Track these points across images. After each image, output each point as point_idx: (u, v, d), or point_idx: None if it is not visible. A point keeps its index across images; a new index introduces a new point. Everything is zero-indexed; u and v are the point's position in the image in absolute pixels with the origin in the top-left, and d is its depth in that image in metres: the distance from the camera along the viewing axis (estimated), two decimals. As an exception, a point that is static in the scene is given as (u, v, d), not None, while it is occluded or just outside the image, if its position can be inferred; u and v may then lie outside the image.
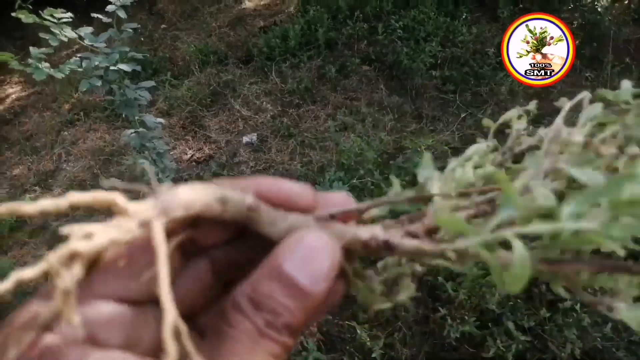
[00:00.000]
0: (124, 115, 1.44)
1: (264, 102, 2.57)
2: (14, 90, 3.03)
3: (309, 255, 0.28)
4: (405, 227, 0.29)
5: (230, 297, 0.28)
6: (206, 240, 0.32)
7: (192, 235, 0.30)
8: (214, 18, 3.35)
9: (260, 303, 0.27)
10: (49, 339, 0.24)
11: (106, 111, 2.61)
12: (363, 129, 2.32)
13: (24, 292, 1.94)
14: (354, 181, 1.99)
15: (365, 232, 0.29)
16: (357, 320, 1.66)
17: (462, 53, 2.63)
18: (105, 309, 0.27)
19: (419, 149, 2.16)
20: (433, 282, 1.69)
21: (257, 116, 2.51)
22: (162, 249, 0.24)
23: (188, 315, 0.31)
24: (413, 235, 0.29)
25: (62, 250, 0.21)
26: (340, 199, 0.32)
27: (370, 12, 2.97)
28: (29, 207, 0.22)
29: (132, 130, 1.43)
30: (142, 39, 3.11)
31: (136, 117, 1.38)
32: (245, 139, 2.39)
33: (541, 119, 2.36)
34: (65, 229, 0.21)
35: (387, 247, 0.29)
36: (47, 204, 0.23)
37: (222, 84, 2.73)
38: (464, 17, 2.82)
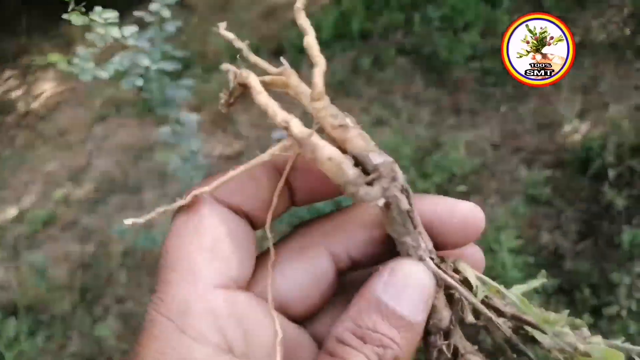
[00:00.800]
0: (155, 112, 1.42)
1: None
2: (48, 87, 3.07)
3: (405, 285, 0.28)
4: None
5: (330, 334, 0.28)
6: (302, 192, 0.32)
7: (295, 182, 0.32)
8: (246, 11, 3.31)
9: (366, 336, 0.27)
10: None
11: (137, 107, 2.61)
12: (398, 123, 2.25)
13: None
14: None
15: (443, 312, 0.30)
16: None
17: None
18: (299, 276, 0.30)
19: (457, 145, 2.07)
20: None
21: (288, 111, 2.46)
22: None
23: (306, 316, 0.31)
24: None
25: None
26: (466, 211, 0.32)
27: (406, 1, 2.87)
28: None
29: (168, 128, 1.41)
30: (182, 35, 3.10)
31: (172, 115, 1.37)
32: (276, 134, 2.34)
33: (586, 114, 2.25)
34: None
35: (433, 341, 0.30)
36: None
37: (253, 78, 2.69)
38: (505, 5, 2.70)
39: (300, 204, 0.33)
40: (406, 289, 0.28)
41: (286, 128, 0.28)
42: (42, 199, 2.34)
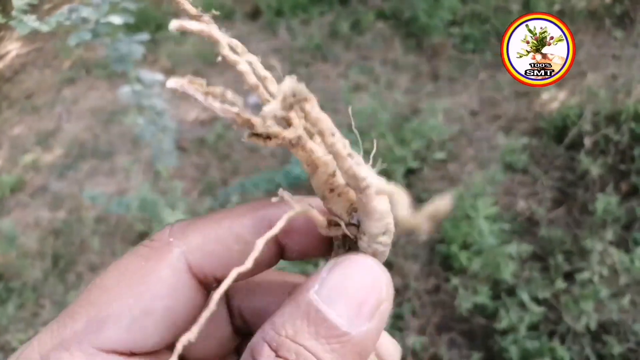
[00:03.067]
0: (122, 72, 1.36)
1: (272, 61, 2.46)
2: (14, 47, 2.95)
3: (348, 284, 0.21)
4: None
5: (250, 342, 0.22)
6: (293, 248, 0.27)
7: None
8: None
9: (282, 347, 0.20)
10: None
11: (107, 69, 2.52)
12: (376, 89, 2.22)
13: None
14: (366, 144, 1.91)
15: None
16: (366, 291, 1.60)
17: (483, 10, 2.48)
18: None
19: (435, 111, 2.06)
20: (445, 251, 1.62)
21: (265, 75, 2.40)
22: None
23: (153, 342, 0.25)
24: None
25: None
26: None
27: (386, -36, 2.81)
28: None
29: (128, 87, 1.34)
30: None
31: (132, 74, 1.30)
32: (251, 99, 2.29)
33: (564, 82, 2.25)
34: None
35: None
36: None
37: (228, 41, 2.61)
38: (486, -30, 2.66)
39: (287, 259, 0.28)
40: (347, 289, 0.21)
41: (364, 188, 0.21)
42: (10, 164, 2.26)
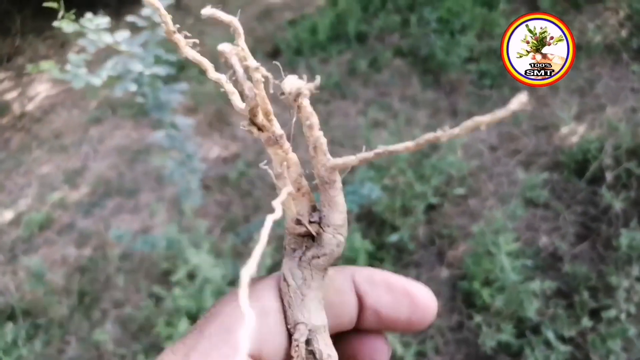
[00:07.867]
0: (151, 115, 1.41)
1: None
2: (44, 88, 3.05)
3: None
4: None
5: None
6: None
7: None
8: (241, 11, 3.29)
9: None
10: None
11: (133, 109, 2.59)
12: (395, 125, 2.24)
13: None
14: (386, 181, 1.92)
15: None
16: (388, 328, 1.59)
17: (500, 46, 2.51)
18: None
19: (454, 147, 2.07)
20: (467, 288, 1.61)
21: (284, 113, 2.44)
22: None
23: None
24: None
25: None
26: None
27: (403, 3, 2.87)
28: None
29: (163, 132, 1.40)
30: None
31: (167, 119, 1.35)
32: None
33: (583, 116, 2.25)
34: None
35: None
36: None
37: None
38: (501, 7, 2.70)
39: (364, 328, 0.32)
40: None
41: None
42: (38, 202, 2.32)
